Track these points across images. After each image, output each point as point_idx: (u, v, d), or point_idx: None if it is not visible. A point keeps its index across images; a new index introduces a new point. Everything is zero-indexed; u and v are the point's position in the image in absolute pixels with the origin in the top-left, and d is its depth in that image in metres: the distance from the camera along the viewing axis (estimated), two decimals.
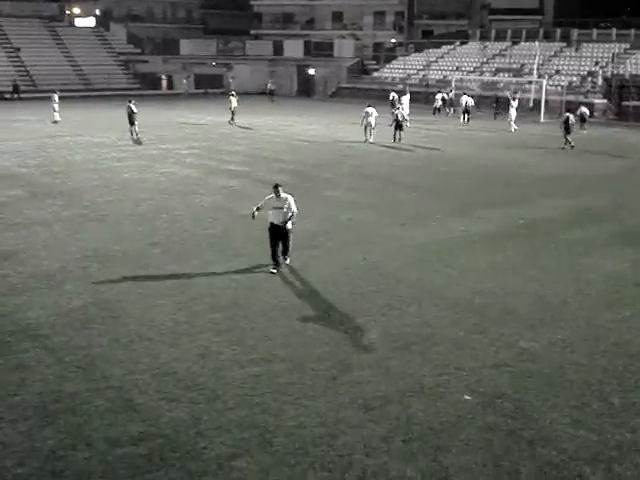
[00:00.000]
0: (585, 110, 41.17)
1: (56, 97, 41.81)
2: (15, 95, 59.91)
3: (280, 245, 14.64)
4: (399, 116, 35.45)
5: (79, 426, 8.85)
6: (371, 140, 34.69)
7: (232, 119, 41.15)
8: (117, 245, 16.39)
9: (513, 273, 14.92)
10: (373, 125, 35.00)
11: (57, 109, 41.47)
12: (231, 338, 11.41)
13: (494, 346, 11.30)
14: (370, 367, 10.52)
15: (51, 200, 21.04)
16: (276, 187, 14.55)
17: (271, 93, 64.08)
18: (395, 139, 35.19)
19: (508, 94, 46.45)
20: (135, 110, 34.72)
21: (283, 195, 14.51)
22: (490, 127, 43.96)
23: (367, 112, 35.12)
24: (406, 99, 45.16)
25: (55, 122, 41.01)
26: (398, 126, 35.21)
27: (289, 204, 14.48)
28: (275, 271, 14.48)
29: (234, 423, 8.98)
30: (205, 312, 12.39)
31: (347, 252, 16.16)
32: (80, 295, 13.12)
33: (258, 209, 14.70)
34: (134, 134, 34.94)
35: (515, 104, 42.35)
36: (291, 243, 14.77)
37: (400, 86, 60.03)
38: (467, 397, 9.70)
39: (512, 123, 41.40)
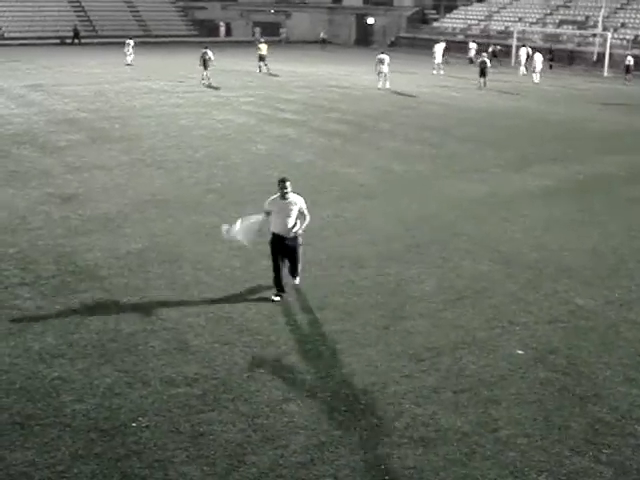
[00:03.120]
0: (631, 60, 42.72)
1: (132, 42, 45.05)
2: (76, 40, 60.41)
3: (287, 263, 11.25)
4: (485, 63, 37.48)
5: (135, 365, 9.07)
6: (386, 86, 34.93)
7: (263, 67, 41.17)
8: (174, 191, 16.58)
9: (570, 229, 14.70)
10: (385, 72, 35.16)
11: (131, 52, 44.46)
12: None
13: (548, 302, 11.20)
14: (422, 318, 10.53)
15: (110, 145, 21.31)
16: (283, 182, 10.84)
17: (324, 42, 63.70)
18: (481, 85, 37.49)
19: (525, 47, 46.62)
20: (211, 57, 35.99)
21: (291, 196, 10.94)
22: (551, 81, 42.90)
23: (380, 59, 35.16)
24: (439, 47, 44.86)
25: (129, 65, 43.44)
26: (483, 73, 37.47)
27: (300, 208, 11.02)
28: (278, 299, 11.03)
29: (286, 368, 9.11)
30: (260, 258, 12.48)
31: (402, 203, 16.09)
32: (138, 239, 13.35)
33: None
34: (206, 79, 35.54)
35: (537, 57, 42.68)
36: (301, 260, 11.42)
37: (460, 36, 59.03)
38: (519, 352, 9.66)
39: (536, 74, 41.70)
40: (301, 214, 11.04)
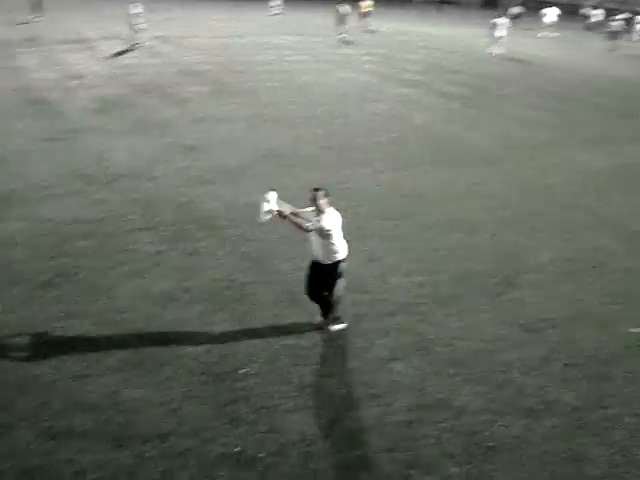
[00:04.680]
0: None
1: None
2: None
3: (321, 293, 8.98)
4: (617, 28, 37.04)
5: (247, 314, 9.31)
6: (497, 52, 33.31)
7: (365, 25, 40.33)
8: (292, 146, 16.74)
9: None
10: (501, 36, 33.48)
11: (279, 4, 46.76)
12: (398, 246, 11.51)
13: None
14: (536, 288, 10.33)
15: (232, 98, 21.66)
16: (316, 191, 8.60)
17: (442, 2, 62.20)
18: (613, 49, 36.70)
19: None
20: (348, 12, 36.19)
21: (327, 211, 8.60)
22: None
23: (494, 23, 33.65)
24: (552, 12, 42.83)
25: (275, 15, 45.58)
26: (614, 37, 37.00)
27: (319, 228, 8.55)
28: (338, 327, 9.05)
29: (394, 328, 9.15)
30: (373, 218, 12.52)
31: (522, 171, 15.71)
32: (255, 192, 13.51)
33: (281, 214, 8.71)
34: (344, 34, 35.65)
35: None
36: (336, 295, 8.98)
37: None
38: (635, 330, 9.35)
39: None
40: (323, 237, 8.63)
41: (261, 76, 25.52)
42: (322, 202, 8.54)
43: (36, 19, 38.47)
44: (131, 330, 8.90)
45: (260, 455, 6.93)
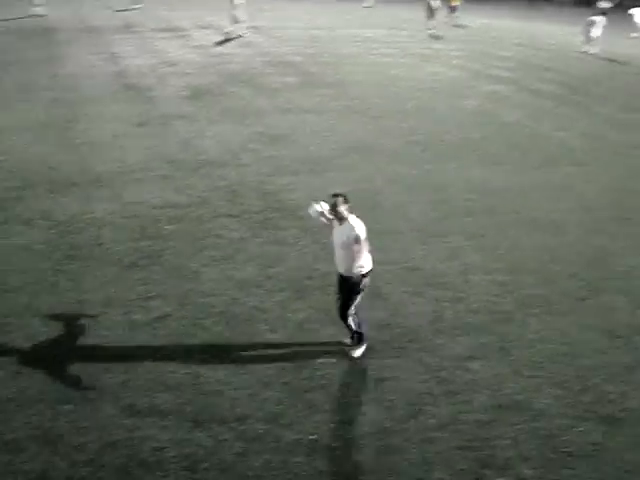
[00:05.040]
0: None
1: None
2: None
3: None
4: None
5: (327, 304, 9.33)
6: (593, 51, 32.11)
7: (453, 20, 39.25)
8: (379, 139, 16.72)
9: None
10: (596, 34, 32.05)
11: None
12: (481, 243, 11.40)
13: None
14: (623, 294, 10.06)
15: (320, 90, 21.74)
16: (335, 198, 8.10)
17: None
18: None
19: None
20: (439, 6, 35.47)
21: (350, 219, 8.09)
22: None
23: (592, 21, 32.25)
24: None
25: (367, 7, 44.87)
26: None
27: (347, 241, 8.01)
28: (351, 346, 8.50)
29: (473, 326, 9.07)
30: (457, 215, 12.42)
31: (613, 173, 15.29)
32: (340, 183, 13.59)
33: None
34: (432, 28, 35.26)
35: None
36: (353, 311, 8.31)
37: None
38: None
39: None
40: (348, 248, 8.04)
41: (349, 68, 25.52)
42: (342, 209, 8.02)
43: (134, 7, 39.45)
44: (213, 314, 9.09)
45: (335, 444, 7.00)
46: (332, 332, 8.74)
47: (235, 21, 31.45)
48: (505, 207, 12.95)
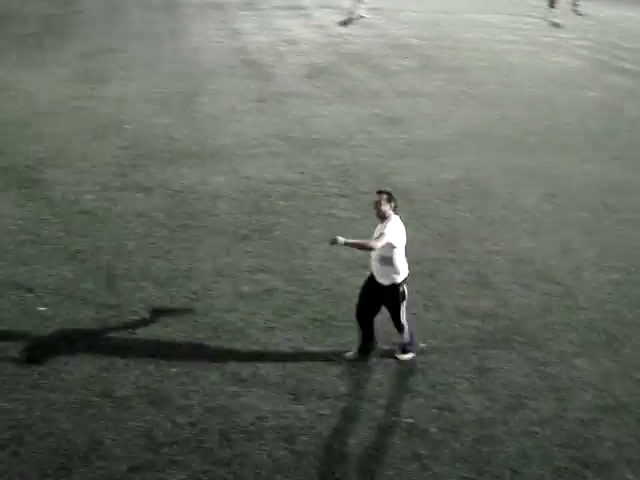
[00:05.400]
0: None
1: None
2: None
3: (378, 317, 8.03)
4: None
5: (434, 290, 9.37)
6: None
7: (575, 8, 37.40)
8: (495, 127, 16.42)
9: None
10: None
11: None
12: (596, 240, 11.08)
13: None
14: None
15: (438, 74, 21.48)
16: (379, 194, 7.74)
17: None
18: None
19: None
20: None
21: (392, 220, 7.65)
22: None
23: None
24: None
25: None
26: None
27: (381, 234, 7.56)
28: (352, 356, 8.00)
29: (583, 323, 8.86)
30: (572, 209, 12.10)
31: None
32: (452, 169, 13.52)
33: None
34: (554, 17, 34.20)
35: None
36: (405, 320, 7.93)
37: None
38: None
39: None
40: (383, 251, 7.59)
41: (469, 54, 25.09)
42: (385, 208, 7.58)
43: None
44: (319, 291, 9.22)
45: (432, 430, 7.00)
46: (436, 318, 8.72)
47: (357, 1, 31.44)
48: (624, 204, 12.51)
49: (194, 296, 9.00)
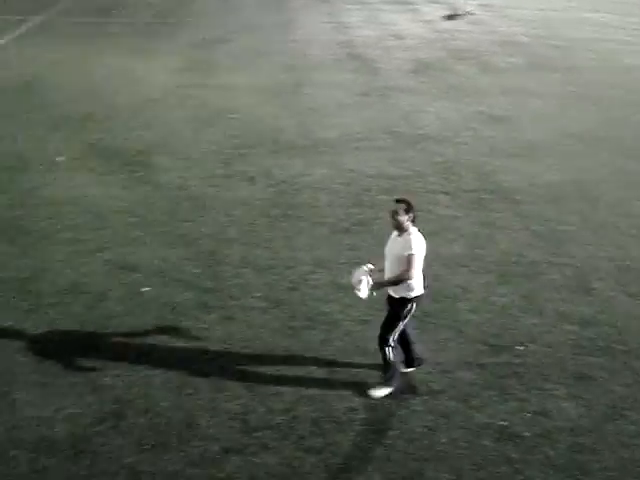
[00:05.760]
0: None
1: None
2: None
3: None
4: None
5: (533, 292, 9.19)
6: None
7: None
8: (606, 129, 15.90)
9: None
10: None
11: None
12: None
13: None
14: None
15: (547, 73, 21.00)
16: (397, 204, 7.14)
17: None
18: None
19: None
20: None
21: (410, 232, 7.08)
22: None
23: None
24: None
25: None
26: None
27: (409, 256, 6.97)
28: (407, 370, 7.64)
29: None
30: None
31: None
32: (558, 171, 13.21)
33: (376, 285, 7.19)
34: None
35: None
36: (392, 341, 7.25)
37: None
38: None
39: None
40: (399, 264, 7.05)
41: (580, 53, 24.41)
42: (403, 219, 7.02)
43: None
44: None
45: (525, 434, 6.88)
46: (534, 321, 8.57)
47: None
48: None
49: (292, 285, 9.12)
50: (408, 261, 6.94)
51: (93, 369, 7.47)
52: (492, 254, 10.09)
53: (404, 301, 7.12)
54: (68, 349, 7.77)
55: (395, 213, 7.05)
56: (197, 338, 8.03)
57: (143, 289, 8.93)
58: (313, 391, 7.29)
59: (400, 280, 6.99)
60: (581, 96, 18.67)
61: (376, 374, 7.48)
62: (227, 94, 16.94)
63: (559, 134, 15.32)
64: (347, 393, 7.27)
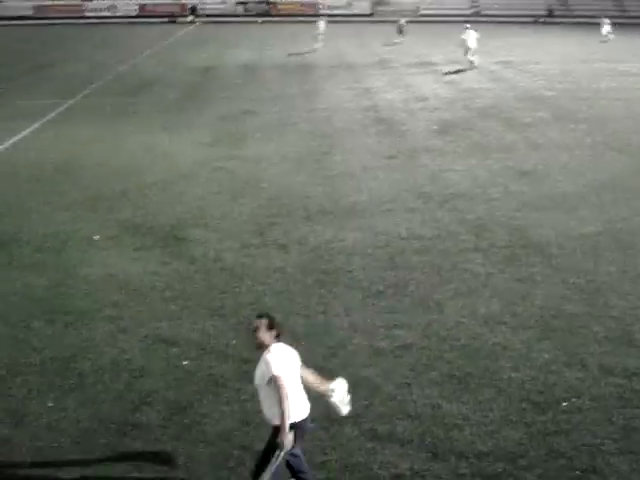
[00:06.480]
0: None
1: (607, 21, 43.80)
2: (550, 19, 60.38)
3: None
4: None
5: (575, 347, 9.04)
6: None
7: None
8: (635, 177, 15.87)
9: None
10: None
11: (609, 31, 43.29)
12: None
13: None
14: None
15: (574, 125, 21.09)
16: (259, 320, 6.31)
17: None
18: None
19: None
20: None
21: (270, 350, 6.22)
22: None
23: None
24: None
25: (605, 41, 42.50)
26: None
27: (270, 378, 6.10)
28: None
29: None
30: None
31: None
32: (592, 222, 13.14)
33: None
34: None
35: None
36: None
37: None
38: None
39: None
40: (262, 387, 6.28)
41: (605, 103, 24.51)
42: (264, 337, 6.23)
43: (398, 42, 41.09)
44: (455, 347, 9.10)
45: None
46: (578, 376, 8.42)
47: (466, 54, 31.79)
48: None
49: (331, 351, 9.08)
50: (269, 381, 6.09)
51: (134, 446, 7.45)
52: (530, 309, 9.99)
53: (277, 430, 6.16)
54: (110, 427, 7.77)
55: (257, 330, 6.22)
56: (239, 409, 8.00)
57: (183, 362, 8.95)
58: (357, 459, 7.19)
59: (286, 403, 6.04)
60: (609, 145, 18.70)
61: (417, 436, 7.38)
62: (256, 165, 17.20)
63: (590, 185, 15.29)
64: (391, 459, 7.16)
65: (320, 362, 8.82)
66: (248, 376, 8.48)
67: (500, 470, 7.01)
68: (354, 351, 9.09)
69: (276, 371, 6.04)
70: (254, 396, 8.05)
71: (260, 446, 7.28)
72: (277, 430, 6.14)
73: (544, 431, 7.54)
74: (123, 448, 7.43)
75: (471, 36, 32.19)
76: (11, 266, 11.79)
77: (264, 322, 6.26)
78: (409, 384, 8.34)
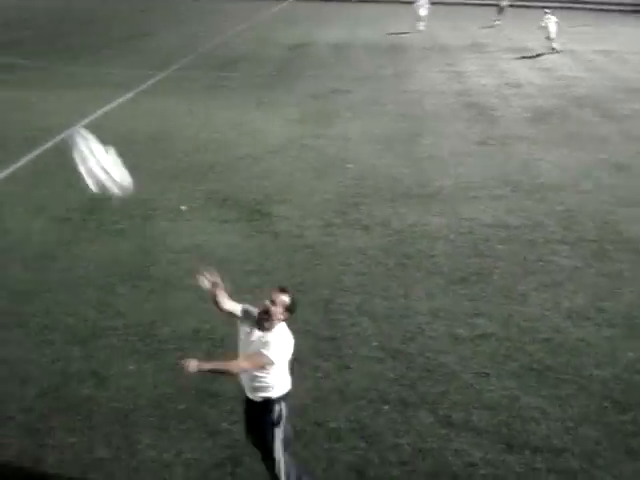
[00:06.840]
0: None
1: None
2: None
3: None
4: None
5: None
6: None
7: None
8: None
9: None
10: None
11: None
12: None
13: None
14: None
15: None
16: (279, 292, 5.87)
17: None
18: None
19: None
20: None
21: (274, 329, 5.81)
22: None
23: None
24: None
25: None
26: None
27: (270, 357, 5.71)
28: None
29: None
30: None
31: None
32: None
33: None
34: None
35: None
36: (281, 454, 6.04)
37: None
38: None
39: None
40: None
41: None
42: (277, 311, 5.80)
43: (496, 23, 40.49)
44: (537, 340, 8.92)
45: None
46: None
47: (548, 39, 31.23)
48: None
49: (409, 335, 9.02)
50: (258, 357, 5.72)
51: (210, 414, 7.58)
52: (617, 307, 9.70)
53: (268, 403, 5.90)
54: (187, 394, 7.91)
55: (273, 303, 5.77)
56: (314, 386, 8.04)
57: None
58: (430, 444, 7.14)
59: (228, 372, 5.87)
60: None
61: (492, 426, 7.28)
62: (344, 144, 17.16)
63: None
64: (465, 447, 7.09)
65: (398, 345, 8.82)
66: (324, 354, 8.61)
67: (576, 467, 6.86)
68: (433, 337, 9.00)
69: (273, 357, 5.70)
70: (330, 374, 8.21)
71: (334, 424, 7.39)
72: (265, 405, 5.91)
73: (624, 431, 7.34)
74: (199, 415, 7.56)
75: (552, 22, 31.70)
76: (99, 231, 12.09)
77: (286, 302, 5.80)
78: (487, 374, 8.22)
